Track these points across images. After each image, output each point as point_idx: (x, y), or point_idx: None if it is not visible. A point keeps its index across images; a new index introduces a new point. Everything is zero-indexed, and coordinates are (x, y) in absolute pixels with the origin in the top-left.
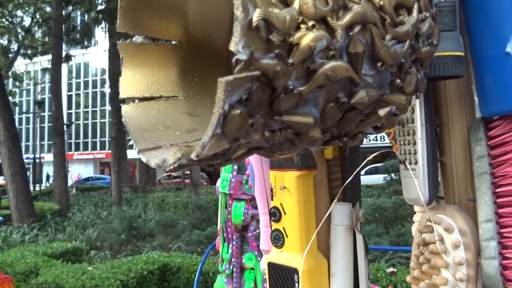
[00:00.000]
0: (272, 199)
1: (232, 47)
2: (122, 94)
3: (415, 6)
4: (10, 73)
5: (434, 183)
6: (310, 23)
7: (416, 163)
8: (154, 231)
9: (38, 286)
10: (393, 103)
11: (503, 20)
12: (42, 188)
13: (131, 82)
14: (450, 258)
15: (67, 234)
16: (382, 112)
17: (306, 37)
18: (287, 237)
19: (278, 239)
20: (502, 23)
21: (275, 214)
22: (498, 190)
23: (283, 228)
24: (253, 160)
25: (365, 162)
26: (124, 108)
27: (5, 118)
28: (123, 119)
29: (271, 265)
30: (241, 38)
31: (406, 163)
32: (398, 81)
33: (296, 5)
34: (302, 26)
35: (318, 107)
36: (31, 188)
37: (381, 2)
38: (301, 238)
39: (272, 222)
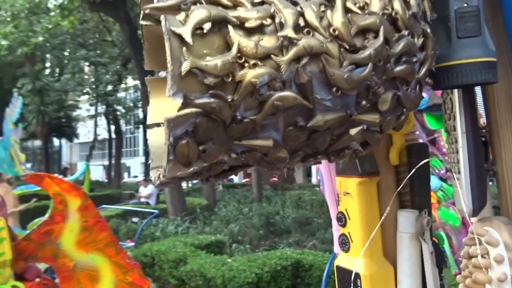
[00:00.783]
0: (338, 204)
1: (166, 93)
2: (149, 121)
3: (381, 29)
4: None
5: (480, 194)
6: (252, 62)
7: (459, 172)
8: (290, 228)
9: (186, 273)
10: (364, 122)
11: None
12: (194, 184)
13: (157, 110)
14: (494, 273)
15: (213, 227)
16: (353, 131)
17: (248, 75)
18: (352, 242)
19: (344, 243)
20: None
21: (341, 219)
22: None
23: (348, 233)
24: (322, 165)
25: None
26: (149, 132)
27: None
28: (148, 141)
29: (338, 269)
30: (172, 86)
31: (452, 171)
32: (364, 102)
33: (234, 50)
34: (246, 65)
35: (279, 131)
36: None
37: (336, 33)
38: (363, 244)
39: (339, 227)
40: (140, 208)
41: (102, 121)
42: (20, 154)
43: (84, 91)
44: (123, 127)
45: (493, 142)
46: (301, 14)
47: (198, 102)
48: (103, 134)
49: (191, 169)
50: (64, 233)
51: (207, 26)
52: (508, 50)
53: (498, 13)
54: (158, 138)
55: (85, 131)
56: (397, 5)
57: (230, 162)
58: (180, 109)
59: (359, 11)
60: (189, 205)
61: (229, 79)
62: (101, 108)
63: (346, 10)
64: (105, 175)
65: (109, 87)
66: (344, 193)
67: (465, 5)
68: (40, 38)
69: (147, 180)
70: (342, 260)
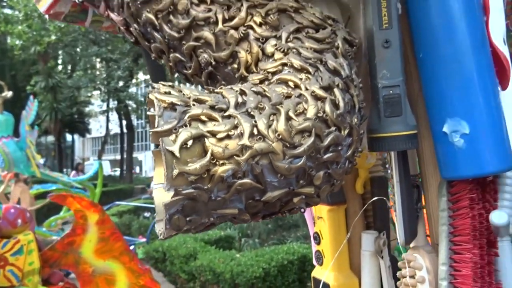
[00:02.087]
0: (314, 225)
1: (164, 188)
2: (155, 181)
3: (313, 130)
4: None
5: (411, 228)
6: (221, 162)
7: (395, 210)
8: (298, 222)
9: (196, 268)
10: (303, 194)
11: (441, 104)
12: None
13: (161, 174)
14: None
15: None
16: (295, 199)
17: (218, 170)
18: (324, 257)
19: (319, 258)
20: (440, 107)
21: (316, 238)
22: (454, 239)
23: (322, 250)
24: None
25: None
26: (155, 191)
27: None
28: (155, 200)
29: (314, 279)
30: (167, 184)
31: (392, 209)
32: (301, 181)
33: (208, 155)
34: (217, 163)
35: (242, 203)
36: None
37: (280, 136)
38: (333, 260)
39: (315, 244)
40: (151, 205)
41: (114, 116)
42: (36, 155)
43: (96, 87)
44: (135, 121)
45: (424, 187)
46: (255, 125)
47: (184, 192)
48: (115, 129)
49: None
50: (84, 243)
51: (190, 142)
52: (426, 119)
53: (420, 91)
54: (161, 196)
55: (97, 126)
56: (328, 108)
57: (210, 222)
58: (173, 197)
59: (297, 119)
60: None
61: (205, 175)
62: (113, 104)
63: (288, 118)
64: (110, 169)
65: (121, 83)
66: (318, 217)
67: (391, 92)
68: (53, 37)
69: None
70: (317, 272)
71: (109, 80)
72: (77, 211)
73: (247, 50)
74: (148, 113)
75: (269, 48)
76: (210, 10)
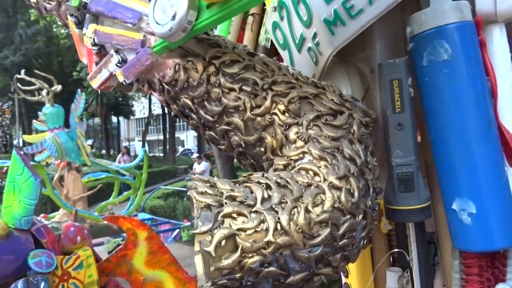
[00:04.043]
0: None
1: (199, 283)
2: (196, 248)
3: (329, 222)
4: None
5: (427, 283)
6: (249, 255)
7: (413, 266)
8: None
9: None
10: (322, 274)
11: (450, 183)
12: None
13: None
14: None
15: None
16: (315, 279)
17: (248, 262)
18: None
19: None
20: (450, 185)
21: (345, 272)
22: None
23: (350, 283)
24: None
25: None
26: (196, 259)
27: None
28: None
29: None
30: (205, 278)
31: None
32: (320, 265)
33: (238, 251)
34: (247, 256)
35: (269, 284)
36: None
37: (300, 229)
38: None
39: (344, 276)
40: None
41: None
42: (86, 145)
43: None
44: None
45: (439, 245)
46: (278, 221)
47: (220, 283)
48: (157, 110)
49: None
50: (136, 256)
51: (223, 242)
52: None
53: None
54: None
55: (140, 107)
56: (343, 198)
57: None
58: (210, 287)
59: (315, 212)
60: None
61: (237, 267)
62: None
63: (307, 211)
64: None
65: None
66: None
67: (404, 169)
68: None
69: (200, 157)
70: None
71: None
72: (128, 229)
73: (272, 136)
74: (193, 214)
75: (292, 135)
76: (239, 98)
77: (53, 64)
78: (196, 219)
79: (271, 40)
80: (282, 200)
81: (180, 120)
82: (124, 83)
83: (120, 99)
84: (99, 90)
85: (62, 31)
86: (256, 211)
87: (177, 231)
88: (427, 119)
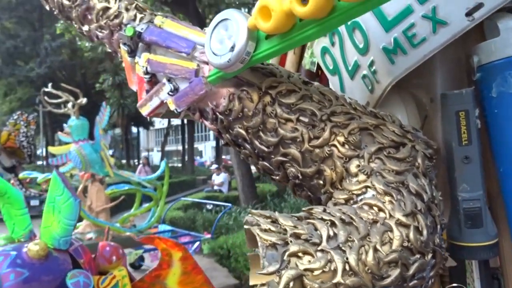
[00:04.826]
0: None
1: None
2: (251, 282)
3: (399, 262)
4: None
5: None
6: None
7: None
8: None
9: None
10: None
11: None
12: None
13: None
14: None
15: None
16: None
17: None
18: None
19: None
20: None
21: None
22: None
23: None
24: None
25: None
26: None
27: None
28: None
29: None
30: None
31: None
32: None
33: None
34: None
35: None
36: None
37: (369, 270)
38: None
39: None
40: (213, 201)
41: None
42: (110, 158)
43: None
44: None
45: (504, 284)
46: (347, 261)
47: None
48: (176, 120)
49: None
50: (169, 276)
51: (291, 284)
52: (505, 219)
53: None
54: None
55: (159, 118)
56: (412, 236)
57: None
58: None
59: (383, 251)
60: (260, 192)
61: None
62: None
63: (376, 250)
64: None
65: None
66: None
67: (471, 204)
68: None
69: (219, 168)
70: None
71: None
72: (163, 250)
73: (331, 168)
74: (249, 254)
75: (353, 168)
76: (296, 129)
77: (76, 76)
78: (262, 258)
79: (317, 64)
80: (349, 239)
81: (198, 130)
82: (176, 112)
83: None
84: (121, 101)
85: (87, 44)
86: (322, 250)
87: (197, 243)
88: (496, 151)
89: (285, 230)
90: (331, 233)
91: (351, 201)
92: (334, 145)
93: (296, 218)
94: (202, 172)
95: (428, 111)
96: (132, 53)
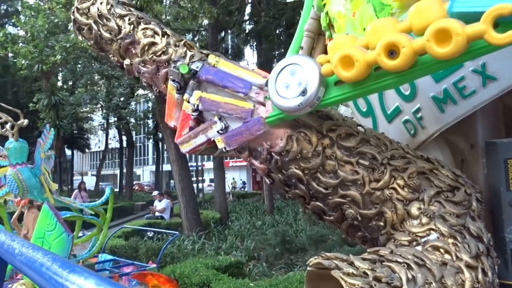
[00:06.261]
0: None
1: None
2: None
3: None
4: None
5: None
6: None
7: None
8: (305, 246)
9: None
10: None
11: None
12: (205, 194)
13: None
14: None
15: (228, 244)
16: None
17: None
18: None
19: None
20: None
21: None
22: None
23: None
24: None
25: None
26: None
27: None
28: None
29: None
30: None
31: None
32: None
33: None
34: None
35: None
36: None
37: None
38: None
39: None
40: (156, 229)
41: (112, 130)
42: (51, 183)
43: (98, 104)
44: (134, 137)
45: None
46: None
47: None
48: (113, 143)
49: None
50: None
51: None
52: None
53: None
54: None
55: (95, 141)
56: (480, 278)
57: None
58: None
59: None
60: (203, 219)
61: None
62: (113, 119)
63: None
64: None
65: (122, 99)
66: None
67: None
68: (58, 57)
69: (162, 194)
70: None
71: (111, 97)
72: (154, 286)
73: (392, 210)
74: None
75: (414, 210)
76: (356, 172)
77: (8, 94)
78: None
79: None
80: (427, 281)
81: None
82: (224, 150)
83: (76, 131)
84: (56, 122)
85: (23, 61)
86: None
87: None
88: None
89: (365, 273)
90: (410, 276)
91: (414, 243)
92: (394, 188)
93: (369, 260)
94: (141, 198)
95: (467, 156)
96: (181, 90)
